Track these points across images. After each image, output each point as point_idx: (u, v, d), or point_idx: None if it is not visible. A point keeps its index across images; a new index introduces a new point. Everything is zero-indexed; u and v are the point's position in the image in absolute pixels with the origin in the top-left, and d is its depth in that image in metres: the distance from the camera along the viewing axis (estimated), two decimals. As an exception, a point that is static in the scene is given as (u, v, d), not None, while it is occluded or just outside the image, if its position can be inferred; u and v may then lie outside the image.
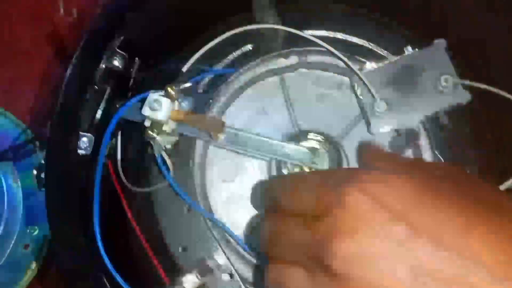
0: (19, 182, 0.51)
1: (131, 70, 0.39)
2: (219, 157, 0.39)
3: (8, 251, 0.49)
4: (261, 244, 0.30)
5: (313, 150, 0.36)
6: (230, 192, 0.38)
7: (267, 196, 0.32)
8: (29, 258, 0.49)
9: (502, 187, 0.34)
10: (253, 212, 0.37)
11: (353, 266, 0.23)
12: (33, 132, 0.53)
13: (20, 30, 0.58)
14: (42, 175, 0.50)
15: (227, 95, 0.39)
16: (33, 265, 0.49)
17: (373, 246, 0.23)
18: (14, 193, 0.51)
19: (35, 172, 0.49)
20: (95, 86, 0.32)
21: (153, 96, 0.34)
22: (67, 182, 0.31)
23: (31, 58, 0.58)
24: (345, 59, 0.37)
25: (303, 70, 0.40)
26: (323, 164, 0.36)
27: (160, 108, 0.34)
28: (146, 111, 0.34)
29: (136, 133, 0.37)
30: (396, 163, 0.31)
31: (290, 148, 0.35)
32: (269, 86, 0.40)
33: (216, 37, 0.38)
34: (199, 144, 0.38)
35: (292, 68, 0.40)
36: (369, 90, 0.36)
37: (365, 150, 0.35)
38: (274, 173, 0.38)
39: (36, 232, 0.50)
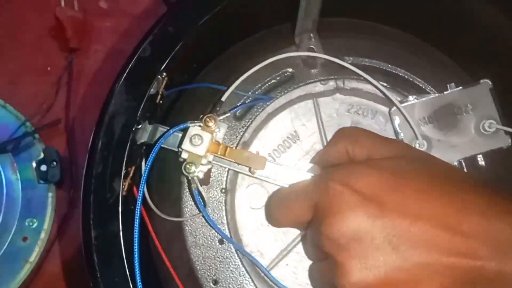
0: (18, 174, 0.51)
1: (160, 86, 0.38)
2: (247, 184, 0.39)
3: (7, 243, 0.49)
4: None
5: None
6: (259, 220, 0.38)
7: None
8: (27, 251, 0.50)
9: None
10: (279, 238, 0.38)
11: (338, 244, 0.28)
12: (33, 125, 0.53)
13: (23, 22, 0.58)
14: (42, 168, 0.50)
15: (260, 120, 0.39)
16: (32, 258, 0.49)
17: (352, 223, 0.28)
18: (13, 185, 0.51)
19: (34, 164, 0.51)
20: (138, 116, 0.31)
21: (193, 130, 0.33)
22: (107, 222, 0.30)
23: (33, 50, 0.57)
24: (386, 91, 0.37)
25: (339, 95, 0.40)
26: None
27: (201, 142, 0.33)
28: (187, 146, 0.33)
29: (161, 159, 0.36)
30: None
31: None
32: (303, 110, 0.40)
33: (236, 54, 0.38)
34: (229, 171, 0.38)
35: (328, 93, 0.39)
36: (409, 125, 0.36)
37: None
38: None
39: (35, 225, 0.50)
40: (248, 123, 0.39)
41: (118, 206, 0.29)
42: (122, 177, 0.30)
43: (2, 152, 0.51)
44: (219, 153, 0.34)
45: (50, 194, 0.51)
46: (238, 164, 0.35)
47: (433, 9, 0.39)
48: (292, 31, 0.38)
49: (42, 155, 0.51)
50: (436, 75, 0.39)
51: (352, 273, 0.28)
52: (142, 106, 0.31)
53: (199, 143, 0.33)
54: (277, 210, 0.36)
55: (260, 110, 0.39)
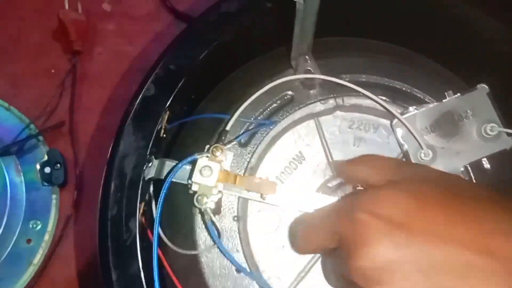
0: (22, 177, 0.52)
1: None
2: (259, 209, 0.39)
3: (11, 245, 0.50)
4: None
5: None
6: (274, 244, 0.39)
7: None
8: (31, 253, 0.50)
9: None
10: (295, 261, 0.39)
11: (369, 277, 0.28)
12: (37, 127, 0.54)
13: (27, 25, 0.59)
14: (46, 170, 0.51)
15: (265, 144, 0.40)
16: (36, 260, 0.50)
17: (381, 254, 0.27)
18: (17, 188, 0.52)
19: (38, 166, 0.52)
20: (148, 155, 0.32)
21: (202, 162, 0.34)
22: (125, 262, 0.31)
23: (37, 53, 0.58)
24: (386, 105, 0.38)
25: (339, 112, 0.41)
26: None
27: (211, 173, 0.34)
28: (197, 178, 0.34)
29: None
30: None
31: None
32: (306, 131, 0.41)
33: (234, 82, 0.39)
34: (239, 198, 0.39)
35: (328, 111, 0.41)
36: (413, 136, 0.38)
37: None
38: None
39: (39, 227, 0.51)
40: (254, 149, 0.40)
41: (136, 246, 0.30)
42: (137, 217, 0.30)
43: (7, 154, 0.52)
44: (229, 182, 0.35)
45: (54, 196, 0.52)
46: (249, 191, 0.36)
47: (421, 19, 0.41)
48: (287, 54, 0.39)
49: (46, 157, 0.52)
50: (432, 85, 0.40)
51: None
52: (151, 144, 0.31)
53: (209, 174, 0.34)
54: (301, 238, 0.35)
55: (264, 135, 0.40)
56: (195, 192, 0.35)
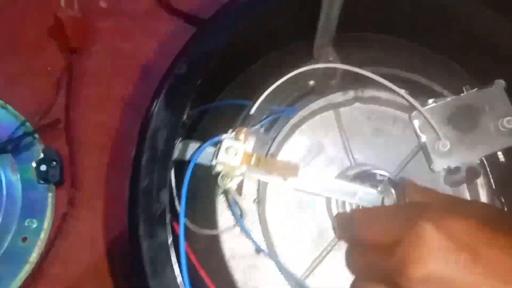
0: (18, 175, 0.52)
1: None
2: (279, 194, 0.41)
3: (7, 244, 0.50)
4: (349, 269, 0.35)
5: (381, 192, 0.38)
6: (291, 229, 0.40)
7: (344, 228, 0.37)
8: (27, 251, 0.50)
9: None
10: (312, 245, 0.40)
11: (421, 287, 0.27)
12: (33, 125, 0.53)
13: (23, 22, 0.59)
14: (41, 168, 0.51)
15: (285, 132, 0.41)
16: (32, 258, 0.50)
17: (442, 270, 0.27)
18: (13, 186, 0.52)
19: (34, 164, 0.51)
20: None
21: (228, 142, 0.35)
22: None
23: (33, 51, 0.58)
24: (407, 97, 0.39)
25: (358, 104, 0.42)
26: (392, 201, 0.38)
27: (236, 154, 0.35)
28: (222, 157, 0.35)
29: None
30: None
31: (362, 190, 0.37)
32: (325, 121, 0.42)
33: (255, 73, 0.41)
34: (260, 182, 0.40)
35: (348, 102, 0.42)
36: (432, 127, 0.39)
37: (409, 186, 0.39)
38: (335, 209, 0.40)
39: (35, 225, 0.51)
40: (274, 136, 0.41)
41: (166, 217, 0.31)
42: (167, 189, 0.32)
43: (2, 152, 0.52)
44: (252, 164, 0.36)
45: (50, 194, 0.52)
46: (271, 173, 0.37)
47: (440, 19, 0.42)
48: (309, 49, 0.41)
49: (42, 155, 0.52)
50: (451, 80, 0.41)
51: None
52: (181, 120, 0.33)
53: (234, 154, 0.35)
54: (358, 226, 0.34)
55: (284, 123, 0.41)
56: (217, 174, 0.36)
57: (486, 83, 0.40)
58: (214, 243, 0.39)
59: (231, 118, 0.41)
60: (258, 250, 0.38)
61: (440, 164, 0.39)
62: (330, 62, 0.41)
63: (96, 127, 0.56)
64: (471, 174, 0.39)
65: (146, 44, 0.59)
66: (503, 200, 0.40)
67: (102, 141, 0.57)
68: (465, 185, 0.41)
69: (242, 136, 0.36)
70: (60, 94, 0.56)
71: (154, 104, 0.34)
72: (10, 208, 0.50)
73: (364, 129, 0.42)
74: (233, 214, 0.37)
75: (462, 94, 0.40)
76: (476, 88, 0.40)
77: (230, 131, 0.37)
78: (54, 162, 0.52)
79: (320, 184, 0.37)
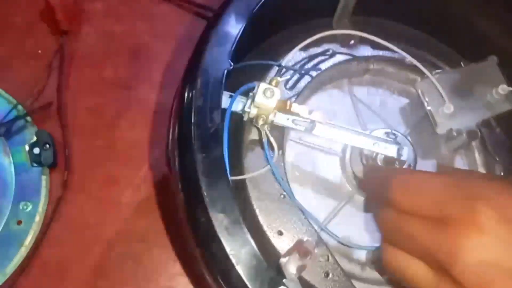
0: (11, 158, 0.53)
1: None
2: (296, 152, 0.44)
3: (1, 227, 0.50)
4: (379, 227, 0.35)
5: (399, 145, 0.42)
6: (309, 182, 0.43)
7: (375, 184, 0.38)
8: (22, 234, 0.50)
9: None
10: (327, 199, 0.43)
11: (480, 275, 0.27)
12: (25, 108, 0.54)
13: (13, 6, 0.60)
14: (35, 151, 0.52)
15: (303, 96, 0.45)
16: (27, 241, 0.50)
17: (501, 256, 0.27)
18: (6, 169, 0.52)
19: (27, 148, 0.53)
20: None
21: (264, 85, 0.38)
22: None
23: (24, 34, 0.59)
24: (418, 64, 0.44)
25: (368, 76, 0.47)
26: (407, 157, 0.42)
27: (272, 96, 0.38)
28: (260, 98, 0.38)
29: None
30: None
31: (381, 142, 0.41)
32: (339, 89, 0.46)
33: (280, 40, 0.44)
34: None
35: (360, 73, 0.46)
36: (439, 93, 0.44)
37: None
38: (348, 168, 0.44)
39: (29, 208, 0.51)
40: (293, 99, 0.44)
41: (218, 134, 0.33)
42: (220, 110, 0.34)
43: None
44: (285, 108, 0.39)
45: (43, 177, 0.53)
46: (300, 119, 0.40)
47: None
48: (330, 23, 0.46)
49: (34, 138, 0.53)
50: (451, 56, 0.48)
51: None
52: (233, 49, 0.35)
53: (271, 95, 0.38)
54: (398, 190, 0.33)
55: (303, 86, 0.44)
56: (251, 119, 0.39)
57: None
58: (241, 187, 0.40)
59: (257, 76, 0.43)
60: (283, 195, 0.40)
61: (444, 126, 0.44)
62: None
63: (88, 109, 0.58)
64: (471, 136, 0.44)
65: (137, 26, 0.61)
66: (497, 159, 0.45)
67: (94, 123, 0.57)
68: (463, 151, 0.46)
69: (274, 83, 0.39)
70: (51, 77, 0.57)
71: (208, 37, 0.36)
72: (3, 191, 0.51)
73: (372, 100, 0.47)
74: (265, 152, 0.39)
75: (460, 67, 0.45)
76: (472, 63, 0.45)
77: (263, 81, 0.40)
78: (47, 145, 0.52)
79: (343, 132, 0.40)
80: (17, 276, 0.49)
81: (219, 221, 0.31)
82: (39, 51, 0.59)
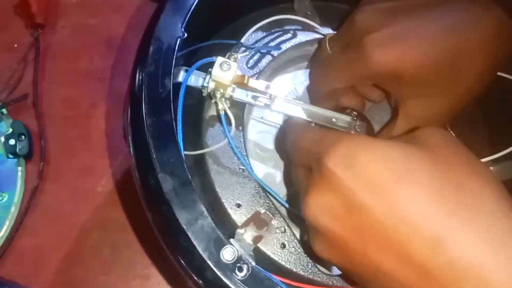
0: None
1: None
2: (258, 130, 0.45)
3: None
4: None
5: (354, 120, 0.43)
6: (268, 160, 0.44)
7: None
8: None
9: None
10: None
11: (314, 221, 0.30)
12: (1, 100, 0.55)
13: None
14: (10, 142, 0.53)
15: (266, 75, 0.46)
16: (2, 232, 0.51)
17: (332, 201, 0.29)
18: None
19: (3, 139, 0.53)
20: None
21: (222, 59, 0.40)
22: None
23: None
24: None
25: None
26: (363, 132, 0.43)
27: (229, 70, 0.39)
28: (216, 72, 0.39)
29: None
30: None
31: (338, 117, 0.42)
32: (302, 70, 0.47)
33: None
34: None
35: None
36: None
37: None
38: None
39: (4, 200, 0.52)
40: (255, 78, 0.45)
41: (170, 99, 0.34)
42: (172, 76, 0.35)
43: None
44: (242, 82, 0.40)
45: (19, 168, 0.53)
46: (260, 95, 0.41)
47: None
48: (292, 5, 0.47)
49: (10, 130, 0.54)
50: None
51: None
52: (186, 19, 0.37)
53: (227, 68, 0.39)
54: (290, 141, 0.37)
55: (263, 65, 0.45)
56: (209, 94, 0.40)
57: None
58: (201, 162, 0.41)
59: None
60: (242, 169, 0.41)
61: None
62: (307, 14, 0.47)
63: (64, 100, 0.59)
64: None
65: (112, 18, 0.63)
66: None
67: (70, 114, 0.59)
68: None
69: (233, 58, 0.40)
70: (27, 69, 0.58)
71: (163, 6, 0.37)
72: (-21, 182, 0.50)
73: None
74: (223, 128, 0.40)
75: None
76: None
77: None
78: (23, 136, 0.53)
79: (302, 108, 0.42)
80: (-7, 266, 0.49)
81: (168, 182, 0.32)
82: (15, 45, 0.60)
